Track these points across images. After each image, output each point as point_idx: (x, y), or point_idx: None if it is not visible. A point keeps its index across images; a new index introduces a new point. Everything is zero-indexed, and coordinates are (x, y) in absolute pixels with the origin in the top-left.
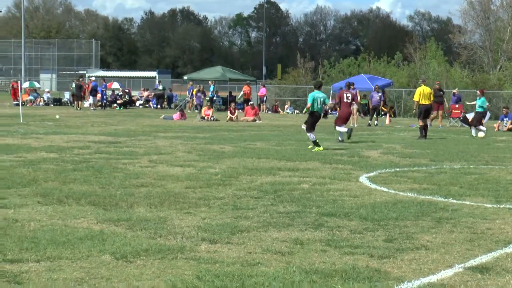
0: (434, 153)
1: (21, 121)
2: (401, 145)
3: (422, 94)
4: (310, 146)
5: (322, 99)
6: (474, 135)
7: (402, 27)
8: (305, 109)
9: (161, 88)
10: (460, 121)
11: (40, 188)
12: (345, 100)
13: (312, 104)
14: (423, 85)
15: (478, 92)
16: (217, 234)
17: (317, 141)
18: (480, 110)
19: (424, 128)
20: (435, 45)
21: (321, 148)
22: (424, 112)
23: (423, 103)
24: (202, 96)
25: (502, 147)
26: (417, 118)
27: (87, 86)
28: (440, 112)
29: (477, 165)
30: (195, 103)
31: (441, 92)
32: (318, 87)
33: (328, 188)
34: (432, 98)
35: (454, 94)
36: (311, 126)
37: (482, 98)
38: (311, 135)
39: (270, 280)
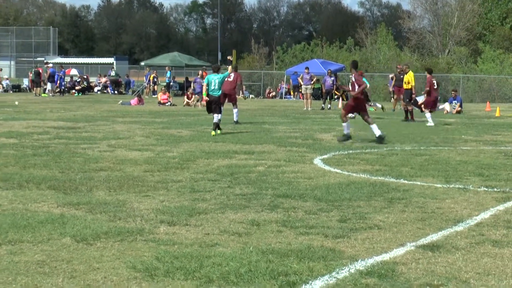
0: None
1: None
2: (354, 128)
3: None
4: (217, 131)
5: (218, 80)
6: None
7: (353, 13)
8: (204, 93)
9: (114, 75)
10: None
11: (0, 173)
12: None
13: (209, 86)
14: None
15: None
16: (176, 216)
17: (218, 124)
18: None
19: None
20: (385, 30)
21: (213, 133)
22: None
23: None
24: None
25: (451, 129)
26: (406, 102)
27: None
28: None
29: (427, 147)
30: (195, 90)
31: (402, 76)
32: (216, 70)
33: (283, 170)
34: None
35: (392, 78)
36: (209, 109)
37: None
38: (215, 117)
39: (227, 261)
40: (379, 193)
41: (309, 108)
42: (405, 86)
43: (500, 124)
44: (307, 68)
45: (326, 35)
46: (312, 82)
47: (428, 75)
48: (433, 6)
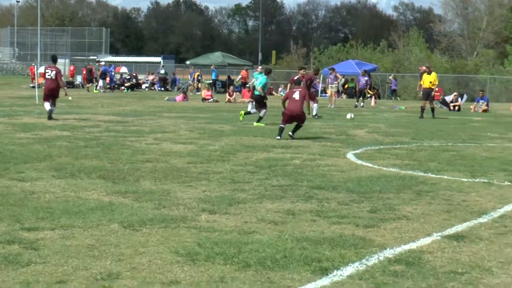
0: (415, 132)
1: (37, 102)
2: (385, 125)
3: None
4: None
5: (260, 81)
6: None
7: (387, 17)
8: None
9: (163, 72)
10: (439, 102)
11: (54, 163)
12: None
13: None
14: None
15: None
16: (216, 205)
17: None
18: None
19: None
20: (417, 33)
21: (262, 124)
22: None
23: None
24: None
25: (478, 127)
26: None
27: (98, 70)
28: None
29: (454, 143)
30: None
31: None
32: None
33: (318, 164)
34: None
35: (395, 78)
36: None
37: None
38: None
39: (264, 247)
40: (407, 186)
41: (333, 106)
42: (424, 86)
43: None
44: (331, 69)
45: (361, 37)
46: (336, 82)
47: (310, 74)
48: (463, 10)
